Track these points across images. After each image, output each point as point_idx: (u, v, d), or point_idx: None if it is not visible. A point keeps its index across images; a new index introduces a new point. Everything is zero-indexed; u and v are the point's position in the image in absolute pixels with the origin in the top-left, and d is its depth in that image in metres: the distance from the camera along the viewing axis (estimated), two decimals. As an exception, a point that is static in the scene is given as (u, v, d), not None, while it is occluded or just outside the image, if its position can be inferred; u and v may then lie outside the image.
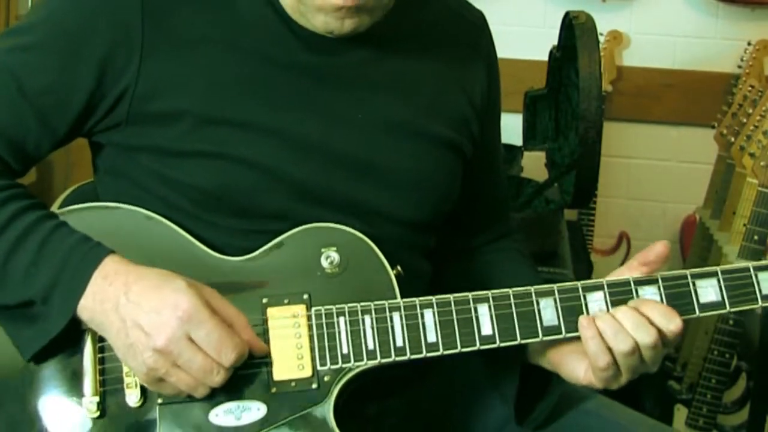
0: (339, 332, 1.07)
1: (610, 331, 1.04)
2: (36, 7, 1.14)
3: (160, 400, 1.05)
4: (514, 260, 1.36)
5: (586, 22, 2.19)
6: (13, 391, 1.07)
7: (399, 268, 1.10)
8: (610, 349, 1.05)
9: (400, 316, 1.07)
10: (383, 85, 1.19)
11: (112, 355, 1.05)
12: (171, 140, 1.11)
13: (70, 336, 1.04)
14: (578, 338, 1.06)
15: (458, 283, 1.16)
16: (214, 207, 1.11)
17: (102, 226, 1.10)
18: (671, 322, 1.04)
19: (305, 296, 1.08)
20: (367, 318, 1.07)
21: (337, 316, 1.07)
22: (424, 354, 1.06)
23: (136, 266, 1.04)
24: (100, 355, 1.06)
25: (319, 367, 1.06)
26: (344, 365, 1.06)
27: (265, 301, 1.08)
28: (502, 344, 1.07)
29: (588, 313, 1.07)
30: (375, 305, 1.07)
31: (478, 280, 1.26)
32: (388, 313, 1.07)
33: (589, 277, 1.31)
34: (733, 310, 1.07)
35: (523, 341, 1.07)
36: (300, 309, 1.08)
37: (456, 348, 1.07)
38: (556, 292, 1.08)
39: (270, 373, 1.06)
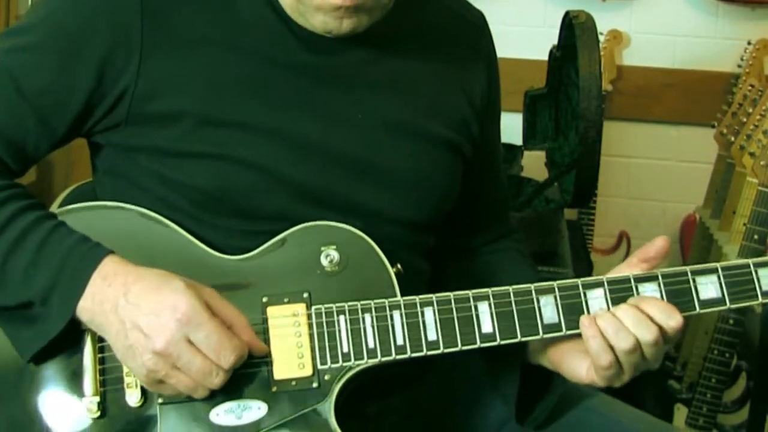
0: (339, 331, 1.07)
1: (611, 329, 1.04)
2: (35, 7, 1.14)
3: (160, 400, 1.05)
4: (514, 260, 1.36)
5: (586, 21, 2.19)
6: (13, 391, 1.06)
7: (399, 266, 1.10)
8: (612, 348, 1.05)
9: (401, 315, 1.07)
10: (383, 85, 1.19)
11: (112, 354, 1.05)
12: (170, 141, 1.10)
13: (70, 336, 1.04)
14: (579, 336, 1.06)
15: (458, 283, 1.15)
16: (214, 208, 1.11)
17: (101, 226, 1.10)
18: (671, 319, 1.04)
19: (305, 295, 1.08)
20: (368, 316, 1.07)
21: (338, 315, 1.07)
22: (424, 352, 1.06)
23: (135, 267, 1.04)
24: (100, 355, 1.06)
25: (319, 366, 1.06)
26: (345, 364, 1.06)
27: (265, 300, 1.08)
28: (503, 342, 1.07)
29: (588, 310, 1.07)
30: (375, 303, 1.07)
31: (478, 280, 1.26)
32: (388, 312, 1.07)
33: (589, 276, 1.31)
34: (733, 306, 1.07)
35: (524, 339, 1.07)
36: (300, 308, 1.08)
37: (456, 346, 1.06)
38: (556, 289, 1.08)
39: (270, 372, 1.06)
